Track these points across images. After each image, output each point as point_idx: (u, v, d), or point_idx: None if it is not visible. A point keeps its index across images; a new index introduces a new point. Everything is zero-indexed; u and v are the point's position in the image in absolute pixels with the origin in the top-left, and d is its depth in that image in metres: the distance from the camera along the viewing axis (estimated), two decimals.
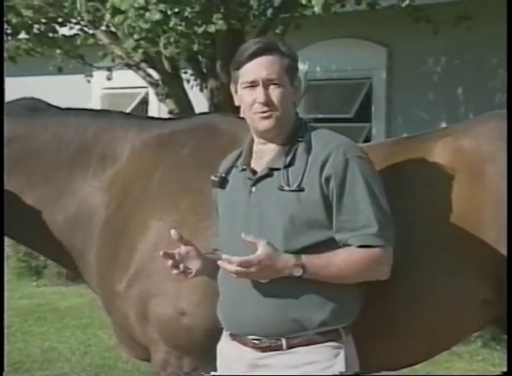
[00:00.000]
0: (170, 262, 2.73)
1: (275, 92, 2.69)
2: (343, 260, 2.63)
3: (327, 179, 2.64)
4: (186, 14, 6.35)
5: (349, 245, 2.65)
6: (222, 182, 2.83)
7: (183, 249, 2.75)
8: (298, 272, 2.60)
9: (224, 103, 7.41)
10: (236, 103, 2.82)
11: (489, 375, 5.80)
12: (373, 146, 3.20)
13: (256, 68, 2.69)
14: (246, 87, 2.71)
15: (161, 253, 2.72)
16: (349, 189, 2.63)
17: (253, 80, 2.69)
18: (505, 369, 2.99)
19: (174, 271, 2.74)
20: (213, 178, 2.86)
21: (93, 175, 3.30)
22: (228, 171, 2.84)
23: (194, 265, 2.76)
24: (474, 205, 2.87)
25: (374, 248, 2.63)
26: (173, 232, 2.74)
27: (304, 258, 2.61)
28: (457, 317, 2.97)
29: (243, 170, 2.78)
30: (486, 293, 2.92)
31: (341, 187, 2.63)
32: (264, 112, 2.69)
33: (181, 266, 2.74)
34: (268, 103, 2.68)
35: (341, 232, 2.64)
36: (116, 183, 3.28)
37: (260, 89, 2.68)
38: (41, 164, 3.33)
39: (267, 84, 2.69)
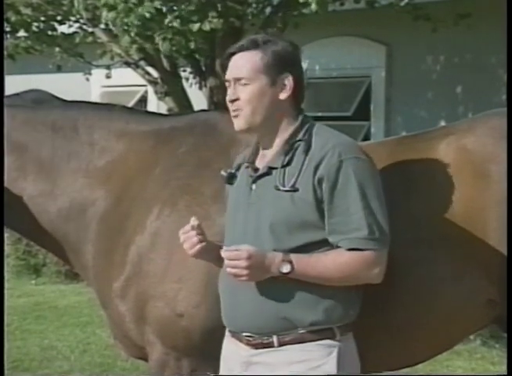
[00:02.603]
0: (187, 235, 2.69)
1: (242, 91, 2.70)
2: (331, 260, 2.62)
3: (320, 181, 2.62)
4: (181, 12, 6.34)
5: (340, 247, 2.64)
6: (230, 178, 2.84)
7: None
8: (286, 269, 2.58)
9: (223, 102, 7.40)
10: None
11: (490, 375, 5.81)
12: (376, 145, 3.19)
13: (230, 67, 2.75)
14: (227, 87, 2.76)
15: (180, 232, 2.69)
16: (341, 192, 2.61)
17: (227, 79, 2.75)
18: (504, 367, 2.99)
19: (186, 243, 2.69)
20: (222, 173, 2.86)
21: (89, 166, 3.28)
22: (238, 168, 2.85)
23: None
24: (478, 205, 2.86)
25: (364, 251, 2.61)
26: (193, 219, 2.70)
27: (293, 255, 2.60)
28: (460, 318, 2.96)
29: (247, 167, 2.80)
30: (491, 293, 2.91)
31: (333, 189, 2.61)
32: (232, 111, 2.73)
33: (195, 238, 2.68)
34: (233, 101, 2.72)
35: (333, 234, 2.63)
36: (113, 176, 3.26)
37: (230, 88, 2.73)
38: (37, 153, 3.32)
39: (236, 82, 2.72)
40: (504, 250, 2.84)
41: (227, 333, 2.81)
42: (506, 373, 2.98)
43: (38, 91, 3.50)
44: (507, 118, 2.95)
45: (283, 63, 2.71)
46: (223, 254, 2.60)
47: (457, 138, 2.97)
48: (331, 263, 2.61)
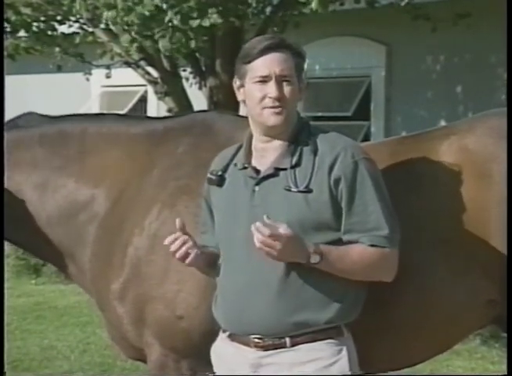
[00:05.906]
0: (175, 244, 2.66)
1: (287, 89, 2.67)
2: (357, 255, 2.63)
3: (336, 181, 2.63)
4: (181, 9, 6.33)
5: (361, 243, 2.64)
6: (220, 180, 2.79)
7: (182, 235, 2.69)
8: (315, 260, 2.58)
9: (223, 101, 7.42)
10: (240, 99, 2.78)
11: (489, 375, 5.81)
12: (377, 146, 3.19)
13: (269, 63, 2.66)
14: (256, 81, 2.68)
15: (166, 241, 2.67)
16: (359, 192, 2.63)
17: (266, 74, 2.66)
18: (504, 366, 2.99)
19: (177, 254, 2.67)
20: (210, 176, 2.82)
21: (80, 170, 3.27)
22: (225, 169, 2.80)
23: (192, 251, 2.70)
24: (480, 205, 2.86)
25: (384, 249, 2.64)
26: (177, 220, 2.69)
27: (323, 246, 2.60)
28: (460, 318, 2.97)
29: (244, 168, 2.75)
30: (491, 293, 2.91)
31: (351, 189, 2.63)
32: (275, 107, 2.65)
33: (184, 247, 2.66)
34: (280, 98, 2.65)
35: (350, 233, 2.64)
36: (109, 179, 3.24)
37: (272, 84, 2.65)
38: (25, 158, 3.32)
39: (279, 80, 2.66)
40: (505, 250, 2.84)
41: (222, 336, 2.78)
42: (505, 372, 2.98)
43: (30, 113, 3.51)
44: (507, 118, 2.95)
45: (304, 67, 2.75)
46: (256, 228, 2.51)
47: (459, 138, 2.97)
48: (357, 258, 2.63)
